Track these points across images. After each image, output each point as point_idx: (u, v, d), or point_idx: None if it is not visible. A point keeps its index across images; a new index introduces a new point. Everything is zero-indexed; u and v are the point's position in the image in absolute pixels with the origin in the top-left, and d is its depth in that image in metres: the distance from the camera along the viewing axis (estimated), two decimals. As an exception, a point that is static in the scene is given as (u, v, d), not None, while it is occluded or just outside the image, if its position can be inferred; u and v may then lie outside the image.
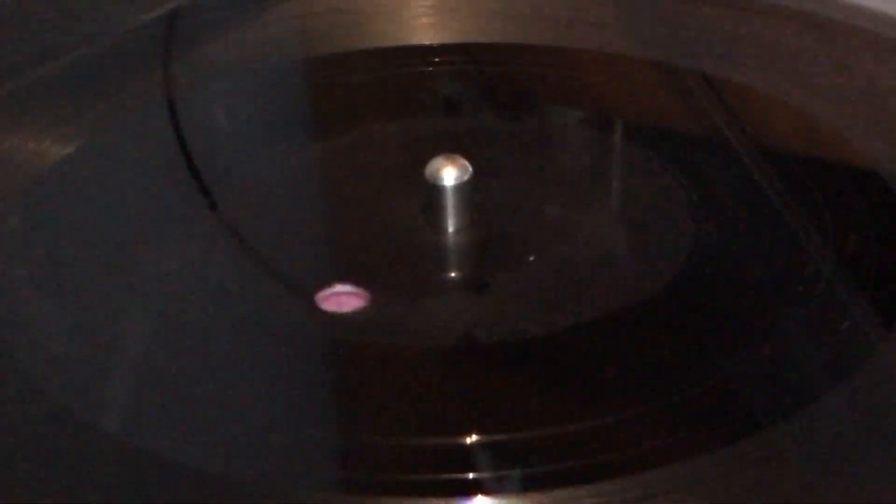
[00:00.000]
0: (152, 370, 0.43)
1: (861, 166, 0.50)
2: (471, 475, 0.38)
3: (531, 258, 0.48)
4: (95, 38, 0.59)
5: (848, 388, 0.41)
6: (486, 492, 0.38)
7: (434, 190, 0.49)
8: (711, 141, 0.54)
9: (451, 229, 0.49)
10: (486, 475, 0.39)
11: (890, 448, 0.39)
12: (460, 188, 0.49)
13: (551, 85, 0.58)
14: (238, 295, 0.46)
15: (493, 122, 0.56)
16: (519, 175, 0.53)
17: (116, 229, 0.49)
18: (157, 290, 0.46)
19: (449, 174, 0.49)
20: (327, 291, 0.46)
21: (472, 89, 0.58)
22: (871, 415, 0.40)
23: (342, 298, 0.46)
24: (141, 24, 0.60)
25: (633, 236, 0.50)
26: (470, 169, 0.49)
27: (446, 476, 0.39)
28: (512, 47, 0.59)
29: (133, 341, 0.44)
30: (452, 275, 0.49)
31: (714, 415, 0.41)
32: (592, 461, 0.39)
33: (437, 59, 0.59)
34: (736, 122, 0.54)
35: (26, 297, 0.46)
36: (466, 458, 0.39)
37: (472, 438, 0.40)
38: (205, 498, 0.38)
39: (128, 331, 0.45)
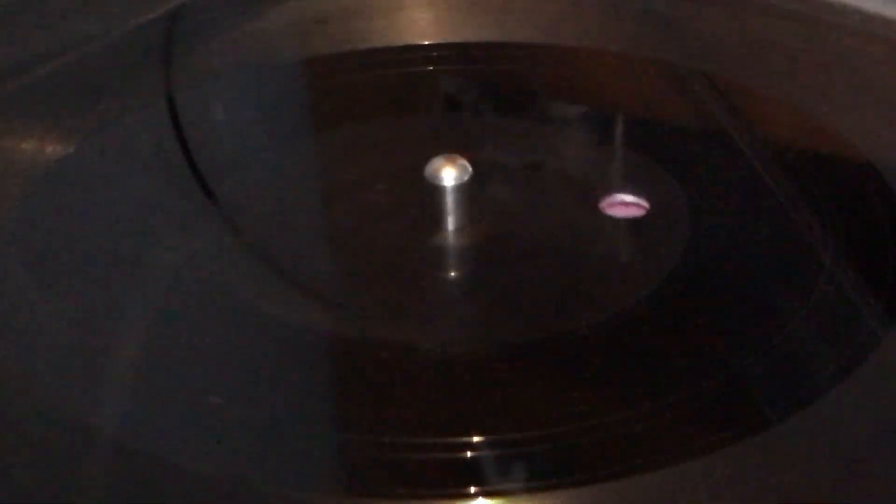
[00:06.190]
0: (152, 369, 0.43)
1: (862, 163, 0.50)
2: (471, 475, 0.38)
3: (531, 258, 0.48)
4: (95, 38, 0.59)
5: (853, 384, 0.40)
6: (488, 492, 0.38)
7: (434, 190, 0.49)
8: (713, 139, 0.54)
9: (450, 229, 0.49)
10: (487, 475, 0.39)
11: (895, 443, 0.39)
12: (460, 188, 0.49)
13: (551, 84, 0.58)
14: (239, 293, 0.46)
15: (493, 122, 0.56)
16: (519, 175, 0.53)
17: (116, 229, 0.49)
18: (157, 288, 0.46)
19: (449, 174, 0.49)
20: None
21: (472, 89, 0.58)
22: (877, 410, 0.40)
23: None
24: (141, 24, 0.60)
25: (635, 234, 0.50)
26: (470, 169, 0.49)
27: (447, 476, 0.39)
28: (512, 47, 0.59)
29: (133, 340, 0.44)
30: (452, 275, 0.49)
31: (719, 413, 0.41)
32: (594, 461, 0.39)
33: (437, 59, 0.59)
34: (737, 120, 0.54)
35: (26, 296, 0.46)
36: (467, 458, 0.39)
37: (472, 438, 0.40)
38: (204, 498, 0.38)
39: (127, 330, 0.44)
